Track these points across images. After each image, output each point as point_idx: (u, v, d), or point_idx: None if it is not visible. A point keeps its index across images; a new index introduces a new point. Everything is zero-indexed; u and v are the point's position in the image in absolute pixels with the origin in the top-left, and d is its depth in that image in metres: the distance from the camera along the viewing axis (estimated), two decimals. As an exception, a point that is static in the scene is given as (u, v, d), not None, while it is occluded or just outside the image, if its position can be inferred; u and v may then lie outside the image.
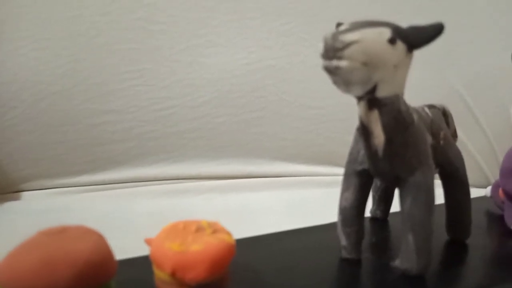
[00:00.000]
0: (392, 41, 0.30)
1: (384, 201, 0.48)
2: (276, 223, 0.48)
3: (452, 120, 0.44)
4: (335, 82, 0.31)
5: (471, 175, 0.76)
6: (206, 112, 0.80)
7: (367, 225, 0.47)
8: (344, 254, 0.39)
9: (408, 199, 0.34)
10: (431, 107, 0.41)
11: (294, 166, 0.84)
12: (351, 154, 0.38)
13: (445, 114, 0.44)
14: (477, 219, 0.50)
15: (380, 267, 0.38)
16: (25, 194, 0.71)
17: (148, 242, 0.32)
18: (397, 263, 0.36)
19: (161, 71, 0.77)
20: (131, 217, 0.61)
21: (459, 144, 0.86)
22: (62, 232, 0.29)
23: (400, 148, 0.33)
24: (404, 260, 0.35)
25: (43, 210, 0.64)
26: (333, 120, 0.82)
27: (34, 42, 0.71)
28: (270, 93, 0.82)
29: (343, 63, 0.29)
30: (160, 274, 0.31)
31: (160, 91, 0.78)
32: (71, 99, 0.74)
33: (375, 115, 0.32)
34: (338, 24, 0.32)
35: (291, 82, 0.81)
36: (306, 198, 0.74)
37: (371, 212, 0.49)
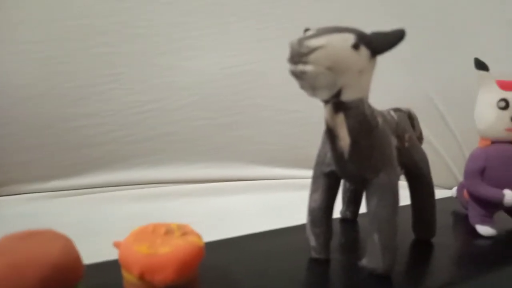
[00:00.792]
0: (356, 46, 0.31)
1: (353, 202, 0.49)
2: (252, 226, 0.48)
3: (418, 123, 0.46)
4: (302, 87, 0.32)
5: (441, 176, 0.79)
6: (184, 116, 0.80)
7: (337, 226, 0.49)
8: (313, 254, 0.39)
9: (374, 199, 0.35)
10: (396, 110, 0.42)
11: (272, 169, 0.84)
12: (319, 156, 0.39)
13: (411, 117, 0.45)
14: (444, 219, 0.51)
15: (348, 266, 0.39)
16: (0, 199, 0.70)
17: (117, 245, 0.32)
18: (364, 262, 0.37)
19: (139, 74, 0.78)
20: (106, 222, 0.61)
21: (429, 146, 0.88)
22: (29, 236, 0.29)
23: (365, 150, 0.34)
24: (371, 259, 0.36)
25: (17, 216, 0.63)
26: (311, 123, 0.83)
27: (10, 46, 0.71)
28: (249, 97, 0.82)
29: (308, 68, 0.30)
30: (129, 277, 0.31)
31: (138, 95, 0.78)
32: (48, 103, 0.73)
33: (340, 118, 0.33)
34: (306, 30, 0.33)
35: (270, 86, 0.82)
36: (284, 201, 0.74)
37: (341, 213, 0.50)
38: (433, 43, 0.86)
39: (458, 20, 0.87)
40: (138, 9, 0.76)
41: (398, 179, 0.37)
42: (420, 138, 0.46)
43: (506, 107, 0.45)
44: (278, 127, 0.83)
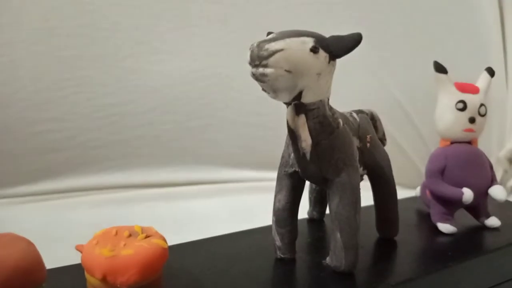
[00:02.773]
0: (314, 50, 0.32)
1: (320, 202, 0.50)
2: (220, 228, 0.48)
3: (381, 124, 0.47)
4: (264, 89, 0.33)
5: (408, 176, 0.81)
6: (151, 120, 0.80)
7: (304, 225, 0.49)
8: (279, 254, 0.40)
9: (335, 199, 0.36)
10: (359, 112, 0.43)
11: (241, 172, 0.85)
12: (283, 157, 0.39)
13: (373, 119, 0.46)
14: (408, 217, 0.53)
15: (313, 265, 0.39)
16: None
17: (79, 248, 0.32)
18: (327, 260, 0.38)
19: (104, 78, 0.77)
20: (71, 227, 0.60)
21: (396, 146, 0.90)
22: (-13, 240, 0.28)
23: (326, 151, 0.35)
24: (334, 257, 0.37)
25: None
26: (278, 126, 0.83)
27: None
28: (217, 101, 0.83)
29: (268, 71, 0.30)
30: (92, 280, 0.31)
31: (103, 98, 0.77)
32: (10, 107, 0.72)
33: (302, 119, 0.34)
34: (269, 33, 0.34)
35: (238, 90, 0.83)
36: (253, 203, 0.74)
37: (308, 213, 0.51)
38: (400, 48, 0.88)
39: (426, 25, 0.90)
40: (102, 12, 0.76)
41: (359, 178, 0.38)
42: (383, 139, 0.48)
43: (464, 108, 0.47)
44: (248, 130, 0.84)
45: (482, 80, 0.49)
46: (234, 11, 0.82)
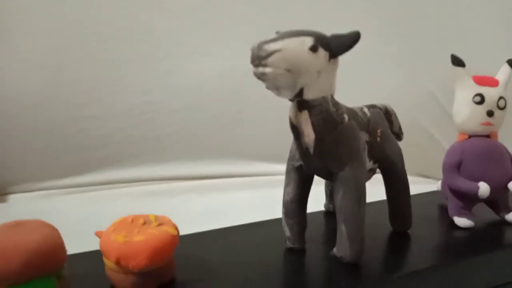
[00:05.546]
0: (313, 48, 0.33)
1: (336, 195, 0.51)
2: (249, 219, 0.50)
3: (396, 118, 0.47)
4: (267, 87, 0.35)
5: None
6: (185, 117, 0.84)
7: (320, 218, 0.51)
8: (288, 244, 0.42)
9: (340, 192, 0.37)
10: (371, 107, 0.44)
11: (273, 165, 0.87)
12: (290, 151, 0.41)
13: (388, 113, 0.46)
14: (427, 211, 0.53)
15: (322, 256, 0.41)
16: (11, 196, 0.74)
17: (99, 234, 0.36)
18: (334, 251, 0.39)
19: (140, 78, 0.81)
20: (107, 217, 0.64)
21: (430, 139, 0.88)
22: (17, 225, 0.32)
23: (330, 145, 0.36)
24: (339, 248, 0.38)
25: (28, 212, 0.67)
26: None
27: (18, 56, 0.75)
28: (248, 98, 0.85)
29: (267, 70, 0.32)
30: (108, 263, 0.34)
31: (139, 97, 0.82)
32: (55, 107, 0.78)
33: (305, 115, 0.35)
34: (276, 32, 0.35)
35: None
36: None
37: (324, 206, 0.52)
38: (432, 41, 0.87)
39: (456, 17, 0.87)
40: (138, 16, 0.80)
41: (364, 173, 0.38)
42: (399, 133, 0.48)
43: (481, 101, 0.46)
44: (279, 124, 0.85)
45: (502, 73, 0.48)
46: (263, 12, 0.84)
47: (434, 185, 0.62)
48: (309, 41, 0.33)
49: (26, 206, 0.70)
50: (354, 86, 0.89)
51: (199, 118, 0.84)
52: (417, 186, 0.65)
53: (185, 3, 0.82)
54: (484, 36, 0.85)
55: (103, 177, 0.80)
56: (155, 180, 0.82)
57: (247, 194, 0.78)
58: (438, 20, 0.88)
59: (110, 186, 0.78)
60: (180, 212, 0.67)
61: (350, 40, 0.34)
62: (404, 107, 0.90)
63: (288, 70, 0.32)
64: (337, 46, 0.34)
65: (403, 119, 0.86)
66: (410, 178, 0.84)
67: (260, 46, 0.32)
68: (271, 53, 0.32)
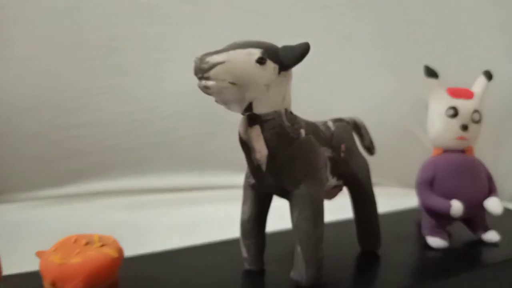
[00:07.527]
0: (260, 61, 0.31)
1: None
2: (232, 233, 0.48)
3: (366, 132, 0.45)
4: (216, 101, 0.33)
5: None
6: (172, 125, 0.83)
7: (284, 236, 0.48)
8: (246, 265, 0.40)
9: (295, 211, 0.35)
10: (336, 120, 0.42)
11: None
12: (247, 168, 0.39)
13: (357, 127, 0.45)
14: (403, 229, 0.50)
15: (281, 278, 0.39)
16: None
17: (39, 254, 0.34)
18: (292, 274, 0.37)
19: (129, 85, 0.81)
20: (97, 228, 0.63)
21: (424, 151, 0.86)
22: None
23: (284, 162, 0.34)
24: (296, 271, 0.36)
25: (14, 222, 0.66)
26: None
27: (11, 62, 0.75)
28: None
29: (209, 83, 0.30)
30: (46, 285, 0.32)
31: (127, 105, 0.81)
32: (42, 115, 0.78)
33: (256, 130, 0.34)
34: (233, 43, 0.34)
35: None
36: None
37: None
38: (424, 49, 0.85)
39: (451, 23, 0.85)
40: (128, 23, 0.80)
41: (321, 191, 0.36)
42: (370, 147, 0.46)
43: (455, 115, 0.44)
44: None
45: (478, 85, 0.46)
46: (253, 18, 0.83)
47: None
48: (256, 53, 0.31)
49: (11, 216, 0.68)
50: (345, 93, 0.88)
51: (186, 127, 0.83)
52: (405, 199, 0.63)
53: (174, 10, 0.81)
54: (476, 44, 0.83)
55: (89, 187, 0.79)
56: (140, 191, 0.81)
57: (230, 206, 0.76)
58: (430, 28, 0.86)
59: (93, 196, 0.77)
60: (153, 226, 0.67)
61: (300, 52, 0.32)
62: (396, 115, 0.89)
63: (233, 84, 0.31)
64: (286, 58, 0.32)
65: (395, 127, 0.84)
66: (400, 191, 0.82)
67: (202, 58, 0.31)
68: (213, 65, 0.30)
